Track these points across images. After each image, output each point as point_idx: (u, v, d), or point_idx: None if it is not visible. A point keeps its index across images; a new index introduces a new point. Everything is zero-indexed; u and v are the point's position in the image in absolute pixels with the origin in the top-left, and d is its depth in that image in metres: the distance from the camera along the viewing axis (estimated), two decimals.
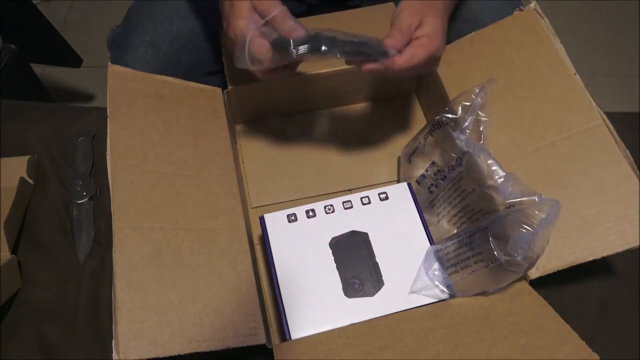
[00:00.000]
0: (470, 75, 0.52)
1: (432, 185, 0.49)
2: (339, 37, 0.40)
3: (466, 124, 0.42)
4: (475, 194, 0.43)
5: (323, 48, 0.39)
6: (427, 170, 0.49)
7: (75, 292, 0.50)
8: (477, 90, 0.43)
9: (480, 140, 0.43)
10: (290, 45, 0.39)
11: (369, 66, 0.40)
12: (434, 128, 0.46)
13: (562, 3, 1.47)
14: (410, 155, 0.51)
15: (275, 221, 0.47)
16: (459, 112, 0.44)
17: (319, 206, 0.48)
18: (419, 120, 0.61)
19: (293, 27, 0.40)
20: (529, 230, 0.35)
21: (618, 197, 0.43)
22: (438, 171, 0.47)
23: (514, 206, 0.38)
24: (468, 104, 0.43)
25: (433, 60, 0.43)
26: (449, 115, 0.44)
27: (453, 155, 0.44)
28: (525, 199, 0.37)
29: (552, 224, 0.35)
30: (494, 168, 0.40)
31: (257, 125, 0.60)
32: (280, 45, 0.40)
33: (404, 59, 0.40)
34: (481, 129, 0.43)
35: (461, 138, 0.42)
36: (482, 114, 0.43)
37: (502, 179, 0.39)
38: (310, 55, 0.40)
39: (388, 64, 0.40)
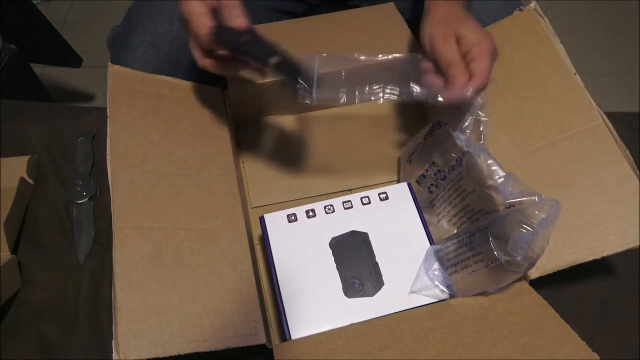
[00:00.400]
0: None
1: (432, 185, 0.49)
2: (274, 48, 0.39)
3: (466, 124, 0.42)
4: (476, 194, 0.43)
5: (251, 49, 0.39)
6: (427, 170, 0.49)
7: (75, 292, 0.50)
8: None
9: (480, 140, 0.43)
10: (224, 34, 0.38)
11: (449, 96, 0.40)
12: (434, 128, 0.47)
13: (562, 3, 1.47)
14: (410, 155, 0.51)
15: (275, 221, 0.47)
16: (460, 112, 0.44)
17: (319, 206, 0.48)
18: (419, 120, 0.61)
19: (236, 15, 0.39)
20: (529, 230, 0.35)
21: (618, 197, 0.43)
22: (438, 171, 0.47)
23: (514, 206, 0.38)
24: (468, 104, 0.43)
25: (495, 57, 0.42)
26: (449, 116, 0.44)
27: (453, 155, 0.44)
28: (525, 199, 0.37)
29: (552, 224, 0.35)
30: (494, 168, 0.40)
31: (257, 125, 0.60)
32: (217, 31, 0.39)
33: (480, 80, 0.39)
34: (481, 129, 0.43)
35: (461, 138, 0.42)
36: (482, 114, 0.43)
37: (502, 179, 0.39)
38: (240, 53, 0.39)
39: (466, 92, 0.39)
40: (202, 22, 0.39)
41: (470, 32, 0.41)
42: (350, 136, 0.60)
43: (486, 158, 0.41)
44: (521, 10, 0.51)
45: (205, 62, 0.42)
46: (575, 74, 0.47)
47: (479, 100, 0.42)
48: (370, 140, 0.59)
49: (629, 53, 1.39)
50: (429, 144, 0.48)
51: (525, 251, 0.34)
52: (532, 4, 0.50)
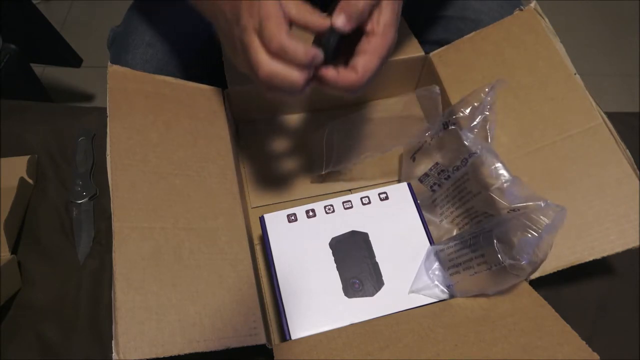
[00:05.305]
0: (470, 75, 0.52)
1: (434, 184, 0.49)
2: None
3: (474, 123, 0.42)
4: (481, 196, 0.42)
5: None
6: (430, 170, 0.48)
7: (75, 292, 0.50)
8: (487, 90, 0.43)
9: (488, 140, 0.43)
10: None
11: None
12: (442, 127, 0.46)
13: (562, 3, 1.47)
14: (415, 152, 0.50)
15: (275, 221, 0.47)
16: (468, 111, 0.44)
17: (319, 206, 0.48)
18: (419, 120, 0.61)
19: (320, 17, 0.33)
20: (534, 235, 0.34)
21: (618, 197, 0.43)
22: (442, 171, 0.47)
23: (518, 210, 0.38)
24: (477, 103, 0.43)
25: (385, 61, 0.34)
26: (459, 115, 0.44)
27: (459, 155, 0.44)
28: (530, 203, 0.37)
29: (557, 230, 0.35)
30: (500, 172, 0.40)
31: (257, 125, 0.60)
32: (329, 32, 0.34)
33: (359, 75, 0.33)
34: (488, 128, 0.43)
35: (469, 138, 0.42)
36: (491, 114, 0.43)
37: (508, 183, 0.39)
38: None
39: (334, 78, 0.33)
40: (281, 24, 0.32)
41: (389, 11, 0.33)
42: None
43: (493, 161, 0.40)
44: (521, 10, 0.51)
45: (275, 68, 0.33)
46: (575, 74, 0.47)
47: (489, 99, 0.42)
48: (370, 140, 0.59)
49: (629, 53, 1.39)
50: (435, 143, 0.48)
51: (530, 256, 0.34)
52: (532, 4, 0.50)
